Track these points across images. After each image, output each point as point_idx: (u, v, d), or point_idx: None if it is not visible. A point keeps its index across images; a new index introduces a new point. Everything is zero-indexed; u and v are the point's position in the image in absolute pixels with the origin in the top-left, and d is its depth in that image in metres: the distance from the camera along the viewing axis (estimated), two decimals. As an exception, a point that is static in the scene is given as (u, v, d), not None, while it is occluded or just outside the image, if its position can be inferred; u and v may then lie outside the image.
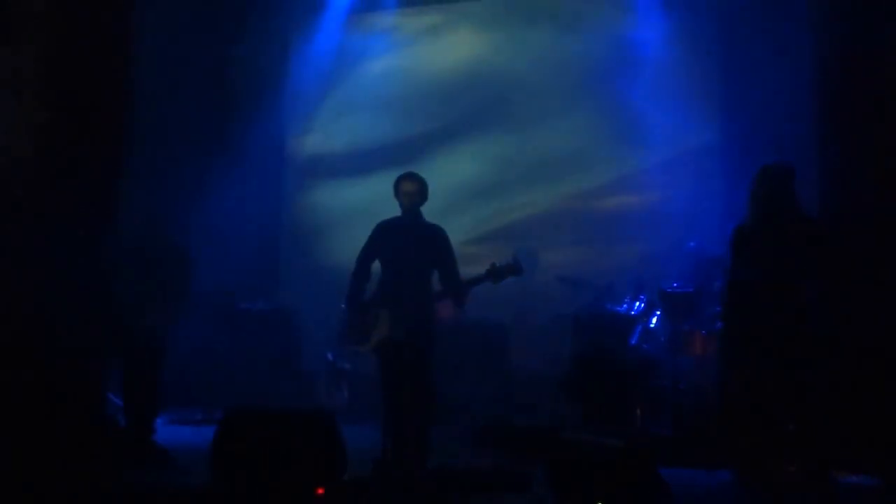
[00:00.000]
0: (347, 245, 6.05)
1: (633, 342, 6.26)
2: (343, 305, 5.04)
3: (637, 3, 7.85)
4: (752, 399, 4.63)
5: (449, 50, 8.51)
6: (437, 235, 4.97)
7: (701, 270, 6.45)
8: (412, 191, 4.92)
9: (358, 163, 8.61)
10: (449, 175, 8.09)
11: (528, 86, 8.16)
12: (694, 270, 6.52)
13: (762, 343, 4.56)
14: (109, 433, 4.71)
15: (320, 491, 4.04)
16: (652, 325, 6.43)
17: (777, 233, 4.61)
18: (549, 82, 8.06)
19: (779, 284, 4.57)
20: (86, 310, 4.89)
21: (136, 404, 5.29)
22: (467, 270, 4.92)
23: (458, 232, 6.00)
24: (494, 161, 8.22)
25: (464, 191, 8.16)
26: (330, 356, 7.26)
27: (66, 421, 4.57)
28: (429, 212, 5.08)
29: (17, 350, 4.75)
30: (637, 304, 6.50)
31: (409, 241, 4.88)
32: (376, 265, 5.06)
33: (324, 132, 8.90)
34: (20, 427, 4.50)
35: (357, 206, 8.25)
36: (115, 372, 5.30)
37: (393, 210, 5.03)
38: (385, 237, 5.00)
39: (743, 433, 4.66)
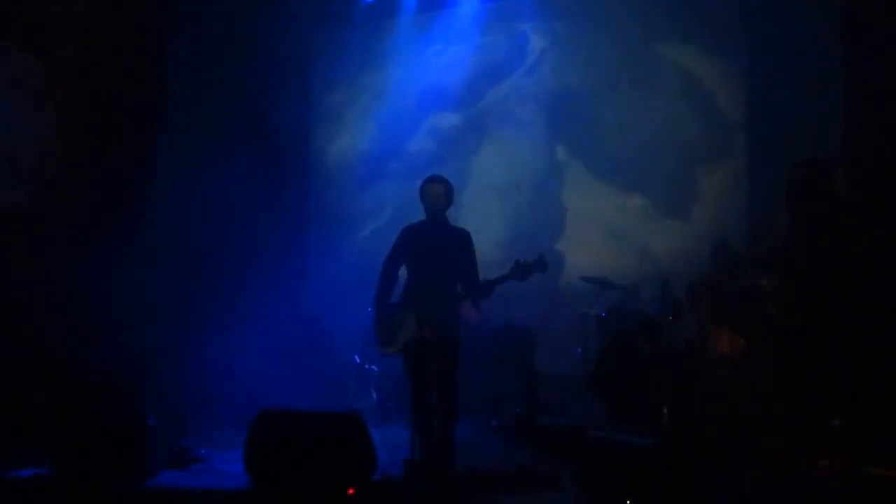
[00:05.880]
0: (374, 248, 6.10)
1: (659, 341, 6.24)
2: (370, 308, 5.08)
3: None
4: (792, 394, 4.61)
5: (471, 50, 8.52)
6: (461, 238, 5.00)
7: (727, 267, 6.41)
8: (437, 193, 4.95)
9: (383, 166, 8.66)
10: (476, 176, 8.13)
11: (552, 84, 8.16)
12: (720, 267, 6.49)
13: (803, 338, 4.54)
14: (144, 436, 4.78)
15: (351, 491, 4.09)
16: (678, 324, 6.41)
17: (814, 228, 4.58)
18: (572, 80, 8.05)
19: (816, 280, 4.55)
20: (119, 313, 4.98)
21: (170, 407, 5.38)
22: (494, 271, 4.94)
23: (485, 233, 6.02)
24: (519, 162, 8.23)
25: (491, 192, 8.19)
26: (357, 358, 7.32)
27: (103, 423, 4.67)
28: (455, 213, 5.12)
29: (50, 353, 4.86)
30: (663, 302, 6.48)
31: (434, 243, 4.91)
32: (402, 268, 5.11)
33: (349, 135, 8.96)
34: (58, 429, 4.60)
35: (383, 209, 8.31)
36: (150, 375, 5.39)
37: (419, 212, 5.07)
38: (410, 240, 5.04)
39: (775, 429, 4.65)
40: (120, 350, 4.95)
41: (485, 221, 7.68)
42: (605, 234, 7.79)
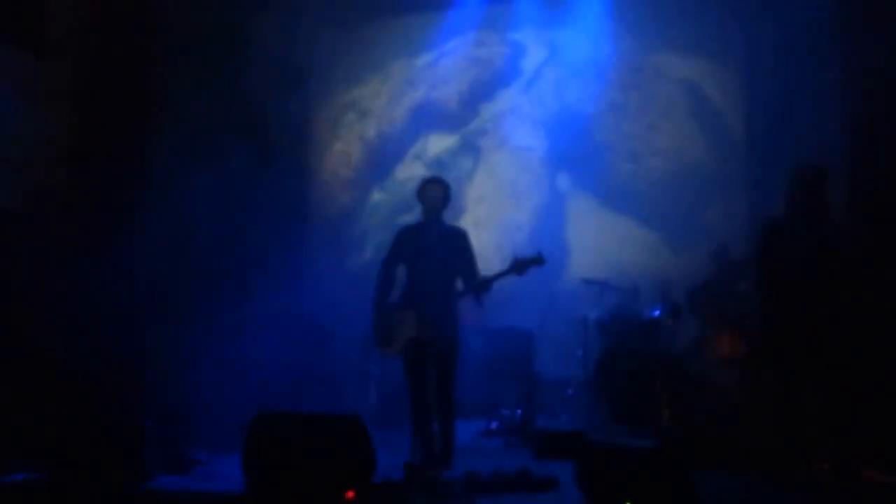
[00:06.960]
0: (374, 249, 6.10)
1: (659, 344, 6.23)
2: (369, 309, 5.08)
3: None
4: (787, 397, 4.60)
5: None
6: (458, 237, 5.01)
7: (726, 271, 6.41)
8: (435, 195, 4.96)
9: (382, 166, 8.64)
10: (475, 177, 8.11)
11: (552, 81, 8.15)
12: (719, 271, 6.49)
13: (795, 341, 4.54)
14: (142, 438, 4.77)
15: (350, 494, 4.06)
16: (678, 327, 6.40)
17: (809, 232, 4.58)
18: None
19: (810, 284, 4.55)
20: (117, 313, 4.98)
21: (168, 409, 5.37)
22: (493, 269, 4.93)
23: (484, 234, 5.99)
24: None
25: (490, 193, 8.17)
26: (357, 359, 7.29)
27: (100, 425, 4.66)
28: (455, 214, 5.11)
29: (48, 355, 4.85)
30: (663, 305, 6.48)
31: (431, 243, 4.92)
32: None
33: (347, 137, 8.93)
34: (55, 431, 4.59)
35: (383, 210, 8.28)
36: (149, 376, 5.38)
37: (416, 214, 5.08)
38: (408, 241, 5.04)
39: (775, 432, 4.64)
40: (118, 351, 4.94)
41: (486, 221, 7.67)
42: (604, 236, 7.77)
